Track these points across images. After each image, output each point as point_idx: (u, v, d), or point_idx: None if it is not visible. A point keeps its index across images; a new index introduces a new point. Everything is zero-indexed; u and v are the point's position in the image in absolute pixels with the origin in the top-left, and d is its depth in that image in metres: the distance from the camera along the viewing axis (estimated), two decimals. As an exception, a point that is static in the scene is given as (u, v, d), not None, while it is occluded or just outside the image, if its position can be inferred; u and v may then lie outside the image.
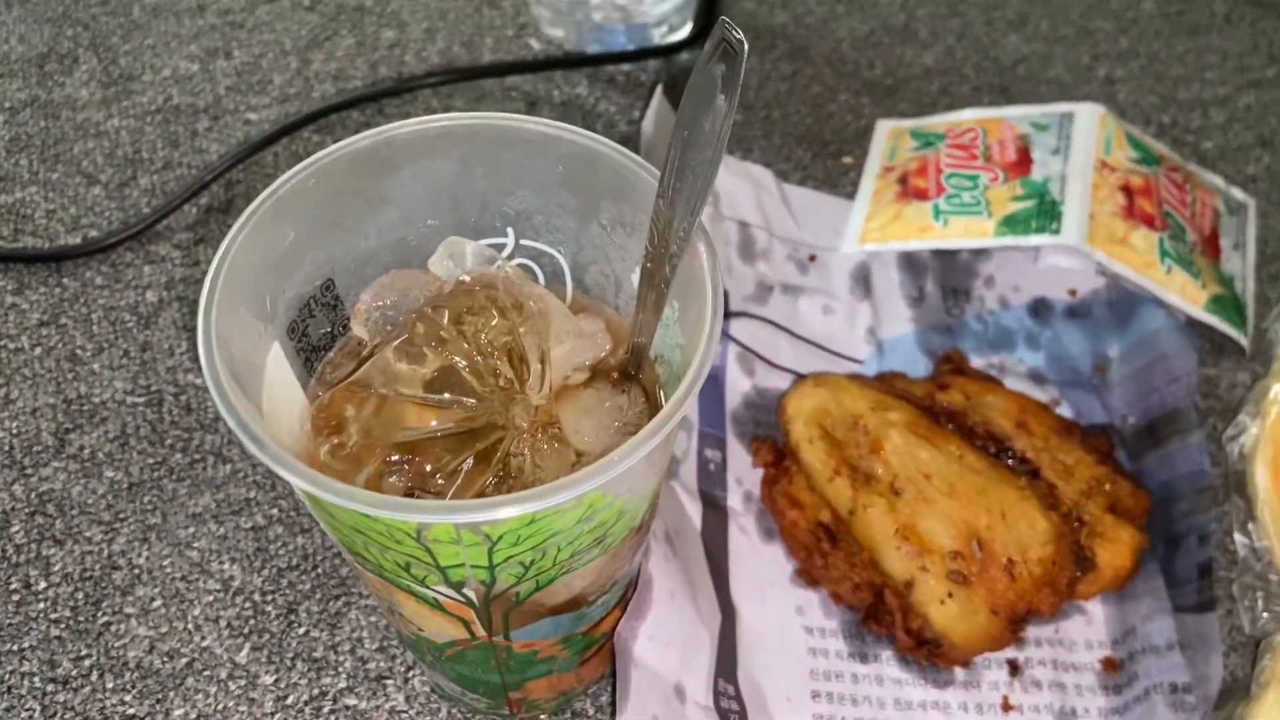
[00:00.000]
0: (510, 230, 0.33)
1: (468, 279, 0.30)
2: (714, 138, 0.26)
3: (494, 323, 0.28)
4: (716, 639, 0.40)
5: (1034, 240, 0.51)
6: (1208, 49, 0.67)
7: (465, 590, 0.28)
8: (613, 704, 0.40)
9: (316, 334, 0.31)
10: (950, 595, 0.41)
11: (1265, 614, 0.41)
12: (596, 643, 0.36)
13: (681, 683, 0.37)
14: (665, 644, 0.37)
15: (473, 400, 0.28)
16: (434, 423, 0.28)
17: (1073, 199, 0.52)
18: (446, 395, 0.28)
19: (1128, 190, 0.53)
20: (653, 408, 0.31)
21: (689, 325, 0.29)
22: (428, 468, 0.27)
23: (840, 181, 0.60)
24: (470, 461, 0.28)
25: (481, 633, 0.31)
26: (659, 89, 0.54)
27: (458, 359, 0.28)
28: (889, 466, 0.43)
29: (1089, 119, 0.57)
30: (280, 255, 0.29)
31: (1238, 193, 0.59)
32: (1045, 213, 0.52)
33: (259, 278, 0.28)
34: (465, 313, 0.29)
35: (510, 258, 0.34)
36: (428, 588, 0.28)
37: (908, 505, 0.42)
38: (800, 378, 0.48)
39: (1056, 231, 0.51)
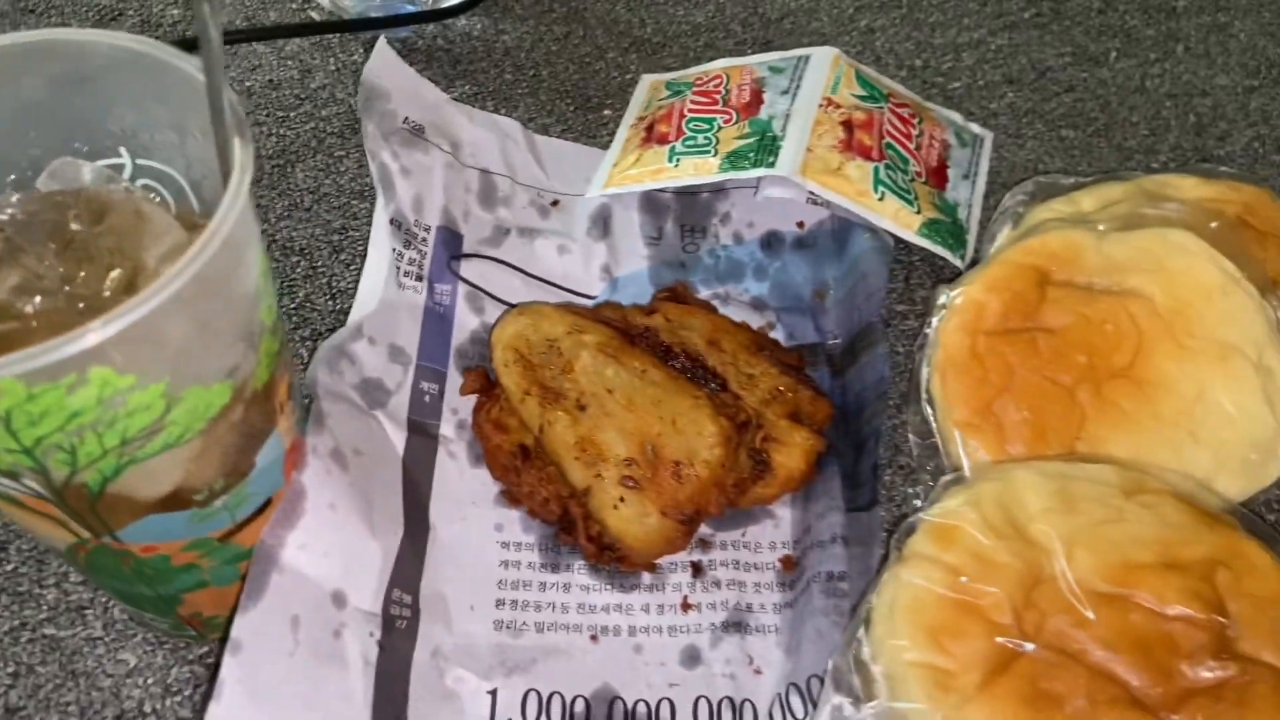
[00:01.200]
0: (124, 150, 0.34)
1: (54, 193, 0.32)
2: (216, 26, 0.28)
3: (51, 221, 0.30)
4: (395, 553, 0.41)
5: (752, 174, 0.53)
6: (968, -4, 0.70)
7: (26, 481, 0.29)
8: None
9: (-80, 255, 0.32)
10: (623, 500, 0.42)
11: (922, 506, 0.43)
12: (249, 554, 0.37)
13: (342, 590, 0.39)
14: (322, 553, 0.38)
15: (29, 300, 0.29)
16: None
17: (792, 134, 0.54)
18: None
19: (849, 125, 0.55)
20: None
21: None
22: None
23: (599, 133, 0.62)
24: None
25: (85, 533, 0.32)
26: (382, 38, 0.55)
27: (14, 262, 0.29)
28: (577, 384, 0.45)
29: (822, 60, 0.59)
30: None
31: (975, 127, 0.61)
32: (765, 148, 0.54)
33: None
34: (29, 220, 0.30)
35: (133, 179, 0.35)
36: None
37: (590, 419, 0.44)
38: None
39: (772, 165, 0.53)
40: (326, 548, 0.39)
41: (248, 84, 0.63)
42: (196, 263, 0.26)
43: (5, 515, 0.32)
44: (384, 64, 0.54)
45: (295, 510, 0.38)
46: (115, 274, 0.31)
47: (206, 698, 0.39)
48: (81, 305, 0.30)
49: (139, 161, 0.35)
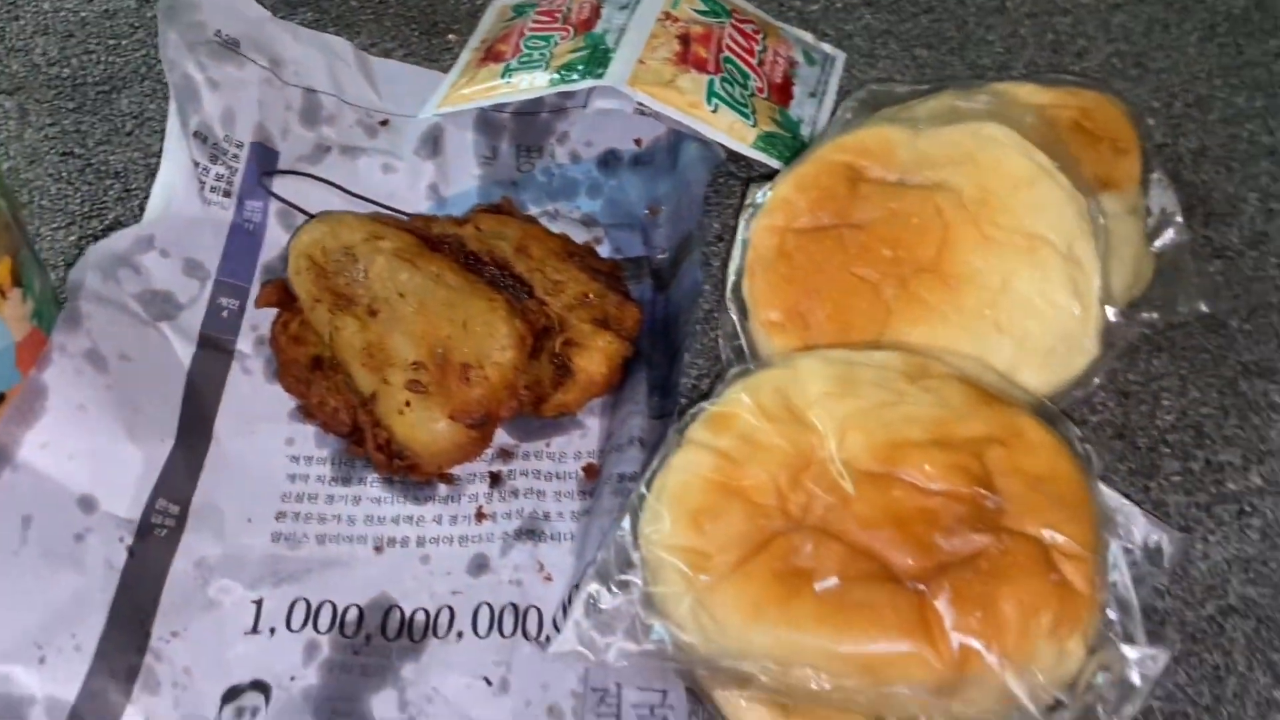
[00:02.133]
0: None
1: None
2: None
3: None
4: (162, 462, 0.40)
5: (580, 85, 0.52)
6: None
7: None
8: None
9: None
10: (409, 404, 0.41)
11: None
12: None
13: (92, 495, 0.37)
14: (67, 455, 0.36)
15: None
16: None
17: (625, 47, 0.53)
18: None
19: (685, 39, 0.54)
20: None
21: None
22: None
23: (442, 58, 0.60)
24: None
25: None
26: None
27: None
28: (369, 290, 0.43)
29: (668, -23, 0.57)
30: None
31: (827, 47, 0.60)
32: (596, 60, 0.52)
33: None
34: None
35: None
36: None
37: (380, 324, 0.42)
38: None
39: (600, 75, 0.51)
40: (72, 450, 0.36)
41: (82, 14, 0.61)
42: None
43: None
44: None
45: (33, 408, 0.36)
46: None
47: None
48: None
49: None
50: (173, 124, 0.47)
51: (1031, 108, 0.45)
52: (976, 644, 0.29)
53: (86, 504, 0.37)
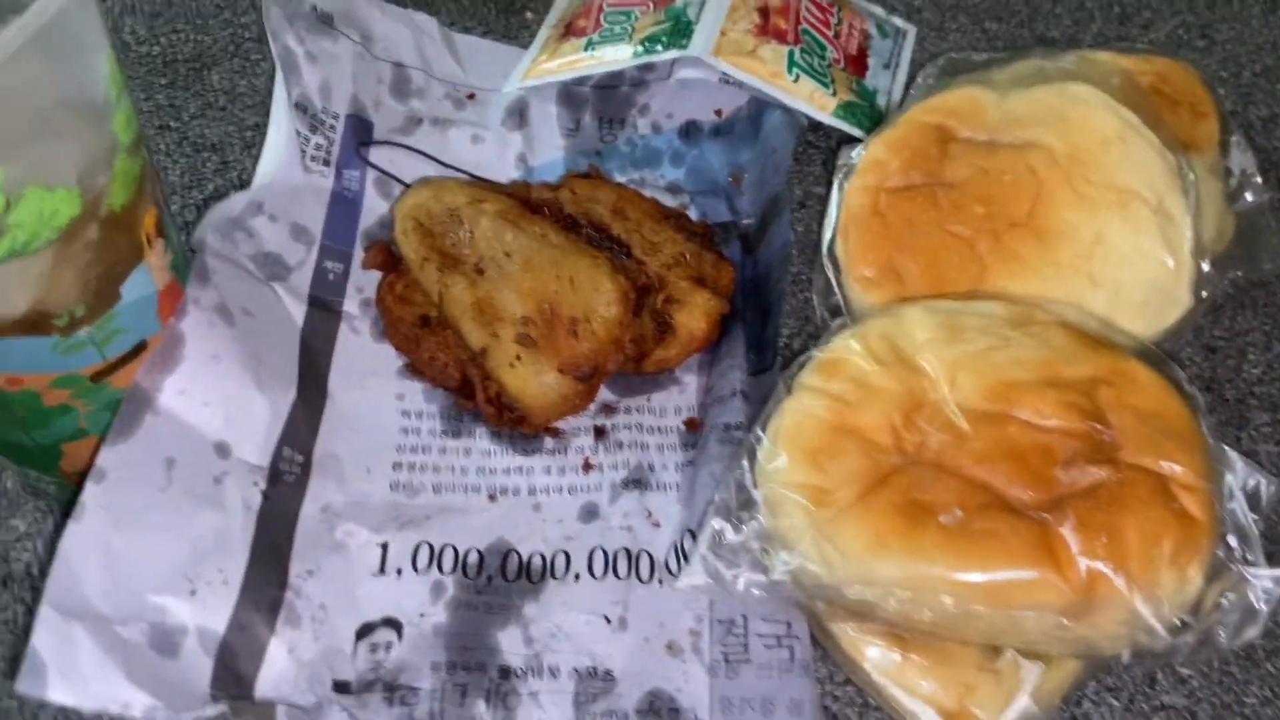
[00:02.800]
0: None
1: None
2: None
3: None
4: (286, 412, 0.41)
5: (665, 56, 0.53)
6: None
7: None
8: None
9: None
10: (519, 358, 0.42)
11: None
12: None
13: (226, 442, 0.39)
14: (202, 402, 0.38)
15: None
16: None
17: (706, 18, 0.54)
18: None
19: (764, 11, 0.55)
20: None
21: None
22: None
23: (520, 35, 0.61)
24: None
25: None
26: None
27: None
28: (475, 249, 0.44)
29: (740, -48, 0.59)
30: None
31: (899, 21, 0.61)
32: (679, 32, 0.54)
33: None
34: None
35: None
36: None
37: (488, 282, 0.43)
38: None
39: (684, 46, 0.53)
40: (207, 397, 0.38)
41: (168, -6, 0.63)
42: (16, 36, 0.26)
43: None
44: None
45: (172, 356, 0.37)
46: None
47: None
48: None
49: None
50: (279, 93, 0.49)
51: (1116, 70, 0.46)
52: (1104, 568, 0.30)
53: (222, 449, 0.38)
